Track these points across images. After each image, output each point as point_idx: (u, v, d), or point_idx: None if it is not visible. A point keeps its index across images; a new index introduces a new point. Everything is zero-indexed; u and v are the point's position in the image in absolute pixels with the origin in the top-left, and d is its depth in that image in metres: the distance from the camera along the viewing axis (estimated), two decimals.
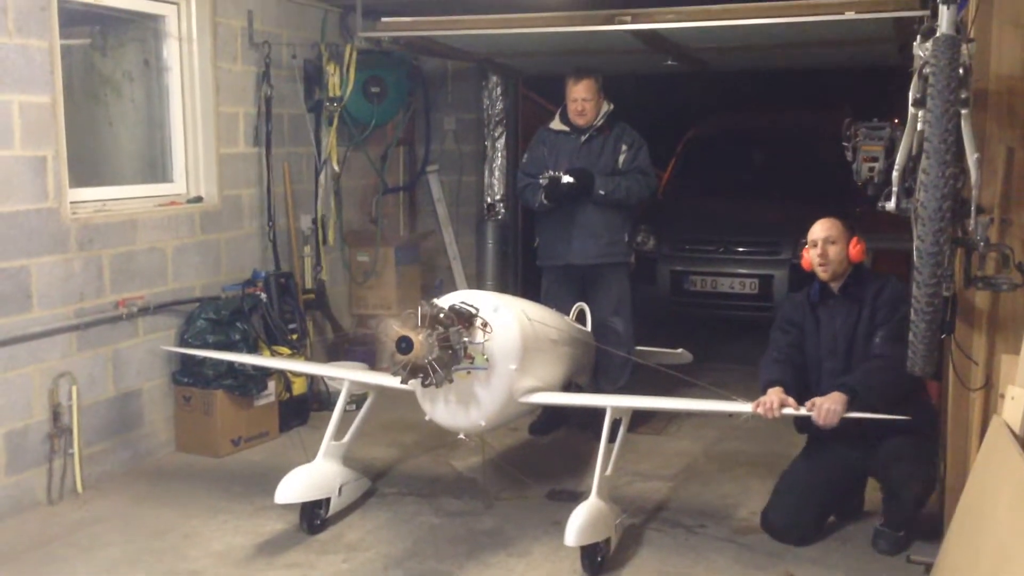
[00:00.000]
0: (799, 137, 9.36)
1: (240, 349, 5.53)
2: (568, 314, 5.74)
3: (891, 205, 3.56)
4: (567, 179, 5.63)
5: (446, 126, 8.14)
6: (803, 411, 4.08)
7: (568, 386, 5.31)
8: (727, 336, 8.43)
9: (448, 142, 8.19)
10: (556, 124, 5.89)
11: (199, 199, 5.82)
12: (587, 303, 5.89)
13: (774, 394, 4.13)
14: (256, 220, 6.20)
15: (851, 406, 4.02)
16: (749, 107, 10.29)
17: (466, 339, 4.07)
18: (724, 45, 6.35)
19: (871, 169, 3.77)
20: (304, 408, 6.17)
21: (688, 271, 8.27)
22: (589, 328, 5.83)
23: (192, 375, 5.50)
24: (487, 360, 4.15)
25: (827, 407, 4.03)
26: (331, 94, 6.16)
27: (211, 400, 5.48)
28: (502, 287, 8.00)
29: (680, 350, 6.18)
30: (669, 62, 6.71)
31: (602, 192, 5.69)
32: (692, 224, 8.43)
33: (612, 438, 4.40)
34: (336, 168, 6.34)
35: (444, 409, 4.28)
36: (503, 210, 8.12)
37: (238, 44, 5.98)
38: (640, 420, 5.83)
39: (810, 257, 4.38)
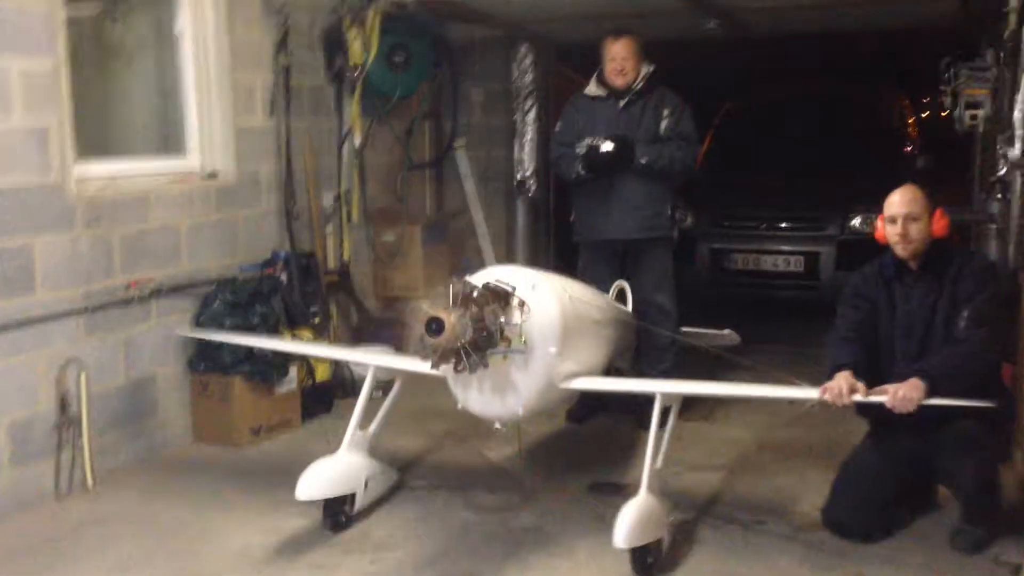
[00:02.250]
0: (843, 107, 8.92)
1: (259, 333, 5.20)
2: (607, 293, 5.37)
3: (1016, 152, 3.12)
4: (607, 147, 5.23)
5: (474, 98, 7.77)
6: (876, 398, 3.69)
7: (609, 370, 4.95)
8: (771, 317, 8.02)
9: (476, 115, 7.82)
10: (592, 88, 5.50)
11: (215, 174, 5.48)
12: (628, 281, 5.51)
13: (843, 379, 3.74)
14: (275, 197, 5.86)
15: (929, 394, 3.62)
16: (789, 77, 9.81)
17: (502, 320, 3.71)
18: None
19: (973, 117, 3.33)
20: (328, 395, 5.84)
21: (729, 249, 7.92)
22: (630, 308, 5.46)
23: (209, 361, 5.18)
24: (525, 343, 3.79)
25: (903, 394, 3.63)
26: (353, 62, 5.78)
27: (229, 387, 5.16)
28: (533, 267, 7.61)
29: (727, 331, 5.79)
30: (711, 24, 6.28)
31: (644, 161, 5.29)
32: (732, 199, 8.06)
33: (661, 426, 4.03)
34: (359, 141, 5.97)
35: (478, 396, 3.93)
36: (534, 186, 7.72)
37: (255, 9, 5.63)
38: (686, 405, 5.43)
39: (887, 233, 3.96)
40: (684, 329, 5.76)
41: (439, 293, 3.64)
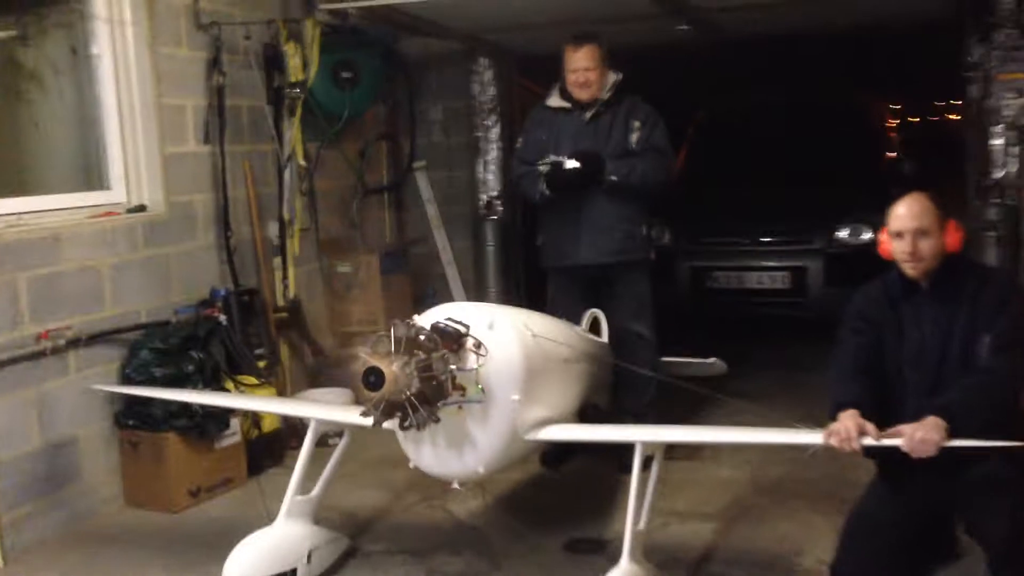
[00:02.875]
0: (821, 112, 8.50)
1: (195, 382, 4.68)
2: (579, 323, 4.88)
3: None
4: (571, 164, 4.74)
5: (432, 116, 7.29)
6: (889, 442, 3.20)
7: (585, 409, 4.46)
8: (757, 338, 7.57)
9: (436, 134, 7.33)
10: (554, 100, 5.01)
11: (141, 207, 4.95)
12: (602, 309, 5.02)
13: (850, 419, 3.24)
14: (213, 230, 5.34)
15: (952, 434, 3.13)
16: (764, 82, 9.39)
17: (454, 366, 3.22)
18: None
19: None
20: (278, 446, 5.30)
21: (710, 266, 7.47)
22: (606, 338, 4.97)
23: (139, 416, 4.63)
24: (482, 391, 3.30)
25: (921, 436, 3.13)
26: (292, 79, 5.27)
27: (162, 445, 4.62)
28: (505, 295, 7.13)
29: (713, 359, 5.31)
30: (683, 26, 5.82)
31: (614, 177, 4.80)
32: (711, 214, 7.61)
33: (644, 471, 3.53)
34: (302, 165, 5.45)
35: (432, 454, 3.43)
36: (501, 208, 7.24)
37: (182, 26, 5.12)
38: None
39: (893, 249, 3.46)
40: (666, 359, 5.28)
41: (379, 338, 3.14)
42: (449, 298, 7.06)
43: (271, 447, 5.24)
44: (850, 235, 7.21)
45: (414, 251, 7.13)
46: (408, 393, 3.07)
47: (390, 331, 3.13)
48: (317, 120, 5.85)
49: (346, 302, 6.38)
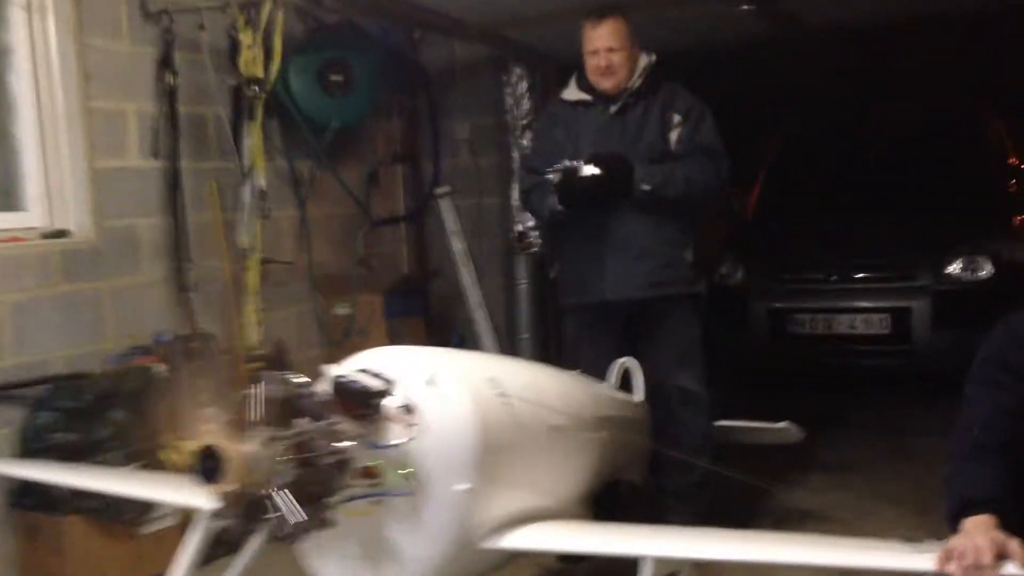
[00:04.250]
0: (928, 133, 7.21)
1: (107, 451, 3.67)
2: (605, 375, 3.74)
3: None
4: (590, 170, 3.63)
5: (458, 135, 6.26)
6: None
7: (612, 488, 3.34)
8: (850, 395, 6.28)
9: (462, 155, 6.30)
10: (571, 92, 3.93)
11: (63, 233, 4.03)
12: (637, 357, 3.86)
13: (982, 533, 2.03)
14: (162, 262, 4.39)
15: None
16: (857, 95, 8.13)
17: (364, 439, 2.13)
18: None
19: None
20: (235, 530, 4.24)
21: (792, 308, 6.27)
22: (641, 395, 3.81)
23: (37, 495, 3.65)
24: (410, 475, 2.20)
25: None
26: (247, 74, 4.30)
27: (63, 532, 3.62)
28: (539, 341, 6.03)
29: (784, 424, 4.08)
30: (745, 6, 4.66)
31: (647, 187, 3.68)
32: (795, 247, 6.43)
33: None
34: (262, 183, 4.46)
35: (340, 572, 2.33)
36: (538, 240, 6.15)
37: (121, 15, 4.23)
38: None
39: None
40: (722, 424, 4.08)
41: (233, 401, 2.08)
42: (477, 347, 6.01)
43: (224, 531, 4.18)
44: (964, 269, 5.94)
45: (437, 292, 6.10)
46: (273, 487, 1.99)
47: (250, 392, 2.07)
48: (303, 133, 4.90)
49: (345, 351, 5.32)
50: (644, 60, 3.84)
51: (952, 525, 2.15)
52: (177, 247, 4.38)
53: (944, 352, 5.67)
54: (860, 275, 6.16)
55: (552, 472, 2.74)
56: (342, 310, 5.37)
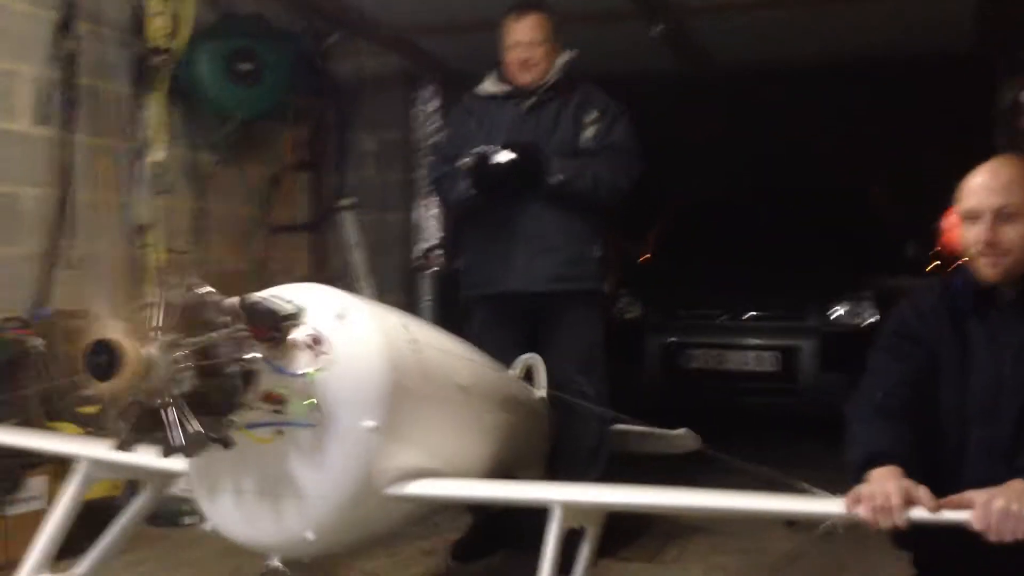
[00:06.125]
0: (817, 197, 7.57)
1: None
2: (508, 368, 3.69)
3: None
4: (504, 155, 3.62)
5: (366, 147, 6.21)
6: (954, 516, 1.98)
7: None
8: (738, 430, 6.34)
9: (368, 169, 6.24)
10: (489, 85, 3.92)
11: None
12: (540, 353, 3.82)
13: (889, 479, 2.04)
14: (46, 235, 4.16)
15: None
16: (749, 167, 8.44)
17: (270, 362, 2.02)
18: None
19: None
20: (109, 518, 3.98)
21: (686, 343, 6.31)
22: (543, 392, 3.76)
23: None
24: (315, 407, 2.09)
25: (1000, 507, 1.94)
26: (153, 44, 4.16)
27: None
28: None
29: (683, 430, 4.08)
30: (656, 31, 4.78)
31: (560, 177, 3.68)
32: (691, 285, 6.54)
33: (567, 568, 2.29)
34: (160, 159, 4.29)
35: (235, 508, 2.19)
36: (441, 259, 6.11)
37: None
38: (623, 537, 3.71)
39: (964, 238, 2.33)
40: (620, 427, 4.06)
41: (140, 307, 1.95)
42: None
43: (97, 519, 3.91)
44: (848, 313, 6.13)
45: None
46: (171, 394, 1.86)
47: (157, 296, 1.94)
48: (207, 121, 4.76)
49: None
50: (563, 57, 3.88)
51: (856, 477, 2.16)
52: (62, 219, 4.15)
53: (831, 393, 5.80)
54: (752, 313, 6.30)
55: (457, 435, 2.65)
56: None
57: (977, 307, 2.34)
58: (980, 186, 2.29)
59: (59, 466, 3.69)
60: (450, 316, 6.03)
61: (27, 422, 3.66)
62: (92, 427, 3.93)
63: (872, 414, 2.29)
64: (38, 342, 3.84)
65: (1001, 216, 2.25)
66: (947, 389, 2.33)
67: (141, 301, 1.93)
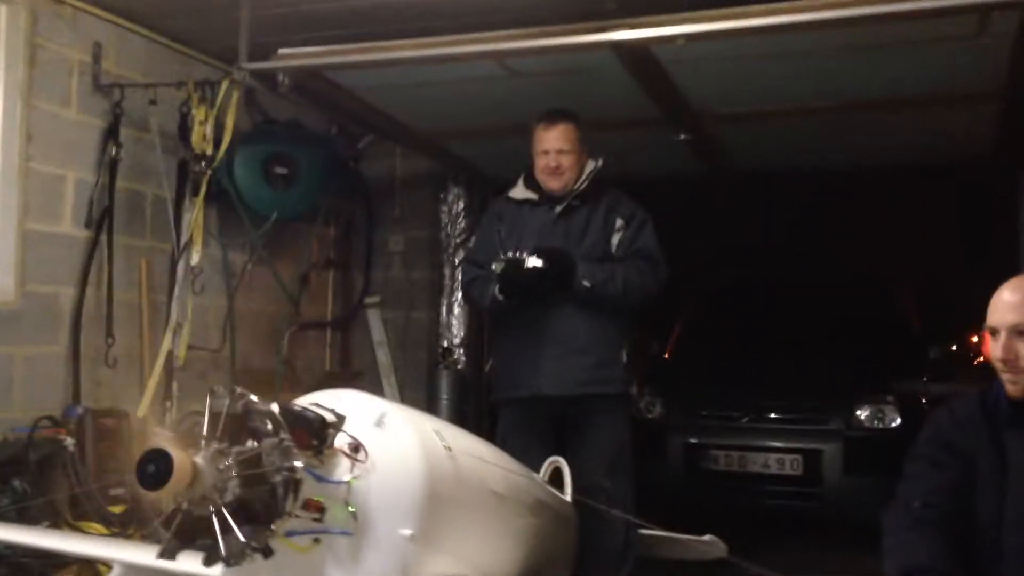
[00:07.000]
0: (843, 291, 7.57)
1: (7, 521, 3.43)
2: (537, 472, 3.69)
3: None
4: (533, 262, 3.70)
5: (392, 247, 6.32)
6: None
7: None
8: (762, 534, 6.25)
9: (395, 268, 6.34)
10: (519, 191, 4.03)
11: None
12: (566, 457, 3.83)
13: None
14: (82, 334, 4.24)
15: None
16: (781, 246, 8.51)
17: (308, 469, 2.05)
18: (756, 107, 4.62)
19: None
20: None
21: (708, 444, 6.26)
22: (568, 495, 3.75)
23: None
24: (354, 516, 2.12)
25: None
26: (197, 150, 4.32)
27: None
28: None
29: (709, 536, 4.05)
30: (682, 136, 4.91)
31: (587, 284, 3.75)
32: (713, 384, 6.50)
33: None
34: (197, 259, 4.41)
35: None
36: (463, 358, 6.16)
37: (73, 84, 4.23)
38: None
39: (991, 351, 2.37)
40: (647, 532, 4.03)
41: (186, 416, 1.99)
42: None
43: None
44: (870, 417, 6.09)
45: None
46: (218, 500, 1.90)
47: (205, 404, 1.99)
48: (241, 221, 4.89)
49: None
50: (591, 165, 3.98)
51: None
52: (107, 319, 4.24)
53: (854, 498, 5.73)
54: (775, 415, 6.26)
55: (489, 541, 2.66)
56: None
57: (1014, 418, 2.35)
58: (1001, 302, 2.34)
59: (85, 566, 3.70)
60: (467, 414, 6.08)
61: (55, 524, 3.68)
62: (119, 527, 3.95)
63: (910, 524, 2.29)
64: (69, 441, 3.89)
65: (1018, 333, 2.29)
66: (984, 498, 2.33)
67: (189, 409, 1.98)
